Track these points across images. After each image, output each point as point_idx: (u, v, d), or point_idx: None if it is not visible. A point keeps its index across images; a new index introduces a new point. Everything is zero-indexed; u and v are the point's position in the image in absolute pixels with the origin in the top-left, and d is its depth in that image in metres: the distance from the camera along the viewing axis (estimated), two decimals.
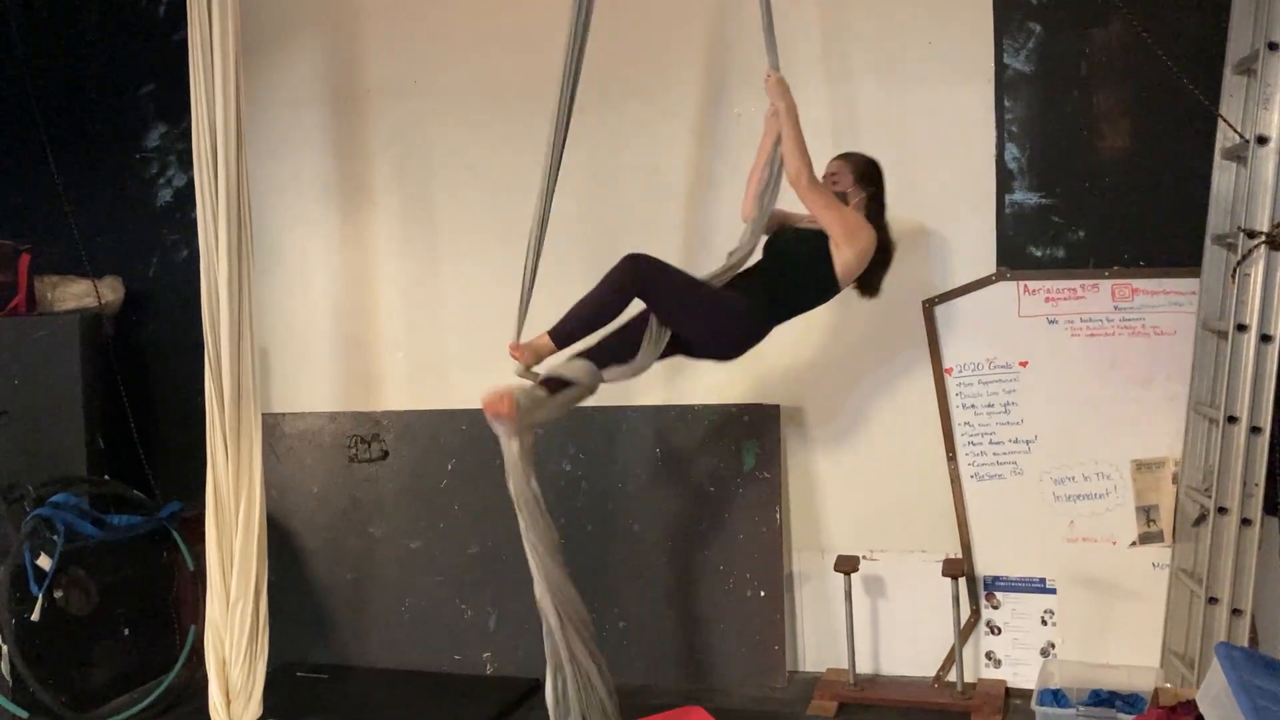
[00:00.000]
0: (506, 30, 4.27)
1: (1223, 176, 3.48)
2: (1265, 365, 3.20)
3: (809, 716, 3.73)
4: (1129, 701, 3.46)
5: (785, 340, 4.07)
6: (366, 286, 4.53)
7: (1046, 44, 3.79)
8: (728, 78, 4.05)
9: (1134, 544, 3.79)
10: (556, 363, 3.23)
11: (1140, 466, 3.77)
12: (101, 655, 3.96)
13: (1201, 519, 3.46)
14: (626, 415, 4.13)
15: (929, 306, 3.91)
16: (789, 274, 3.35)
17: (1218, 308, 3.49)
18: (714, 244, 3.88)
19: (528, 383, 3.20)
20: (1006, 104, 3.83)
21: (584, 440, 4.17)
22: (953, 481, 3.92)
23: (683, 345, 3.33)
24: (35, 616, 3.67)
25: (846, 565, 3.86)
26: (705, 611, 4.05)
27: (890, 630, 4.02)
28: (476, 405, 4.29)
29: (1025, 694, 3.73)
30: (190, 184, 3.94)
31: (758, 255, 3.44)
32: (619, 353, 3.22)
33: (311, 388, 4.57)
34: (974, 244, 3.88)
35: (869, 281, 3.45)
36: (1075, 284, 3.78)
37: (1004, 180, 3.85)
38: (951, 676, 3.84)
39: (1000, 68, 3.83)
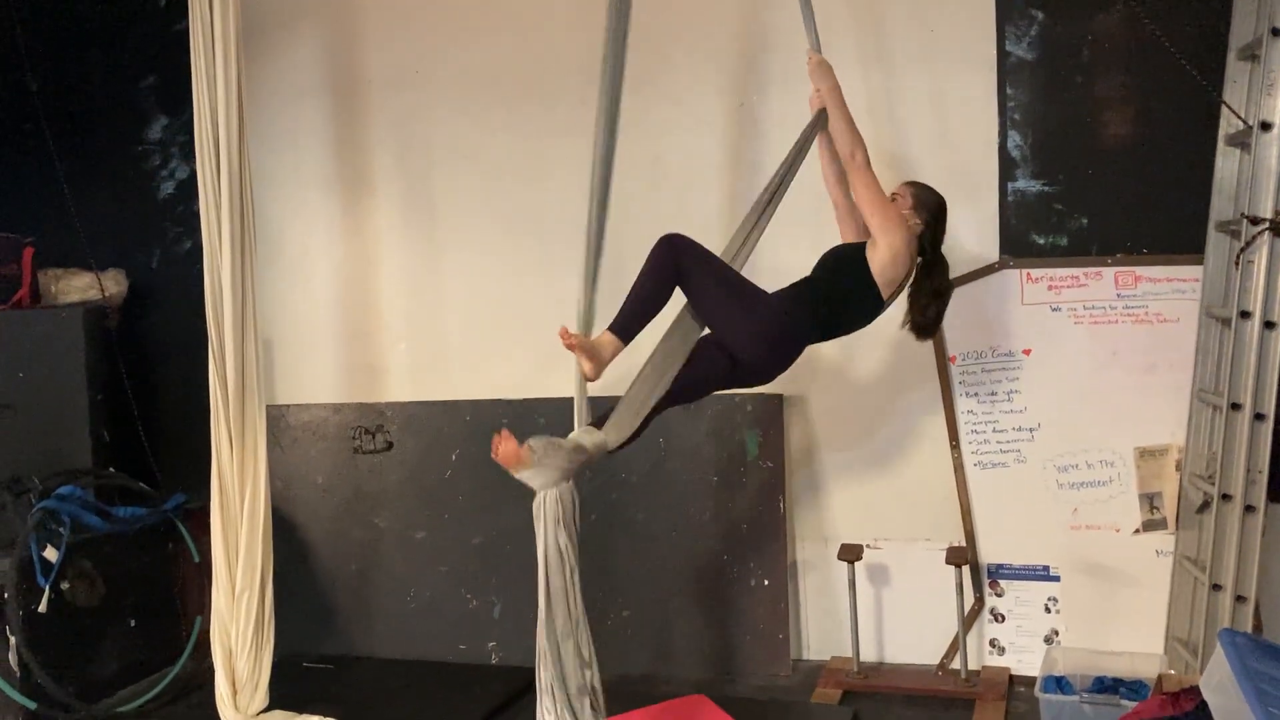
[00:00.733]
0: (507, 19, 4.27)
1: (1226, 163, 3.48)
2: (1269, 352, 3.20)
3: (813, 704, 3.74)
4: (1132, 688, 3.46)
5: None
6: (369, 277, 4.54)
7: (1049, 31, 3.78)
8: (730, 66, 4.04)
9: (1137, 531, 3.79)
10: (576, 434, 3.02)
11: (1144, 454, 3.77)
12: (108, 646, 3.97)
13: (1205, 506, 3.46)
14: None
15: None
16: (833, 283, 3.25)
17: (1221, 295, 3.48)
18: (715, 234, 3.87)
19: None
20: (1009, 91, 3.82)
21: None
22: (956, 470, 3.92)
23: (700, 378, 3.14)
24: (42, 608, 3.68)
25: (850, 554, 3.86)
26: (709, 600, 4.06)
27: (894, 618, 4.03)
28: (480, 396, 4.34)
29: (1029, 681, 3.74)
30: (192, 176, 3.94)
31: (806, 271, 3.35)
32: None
33: (315, 379, 4.57)
34: (977, 232, 3.87)
35: (923, 318, 3.34)
36: (1078, 272, 3.78)
37: (1006, 168, 3.84)
38: (955, 664, 3.85)
39: (1002, 55, 3.81)
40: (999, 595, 3.93)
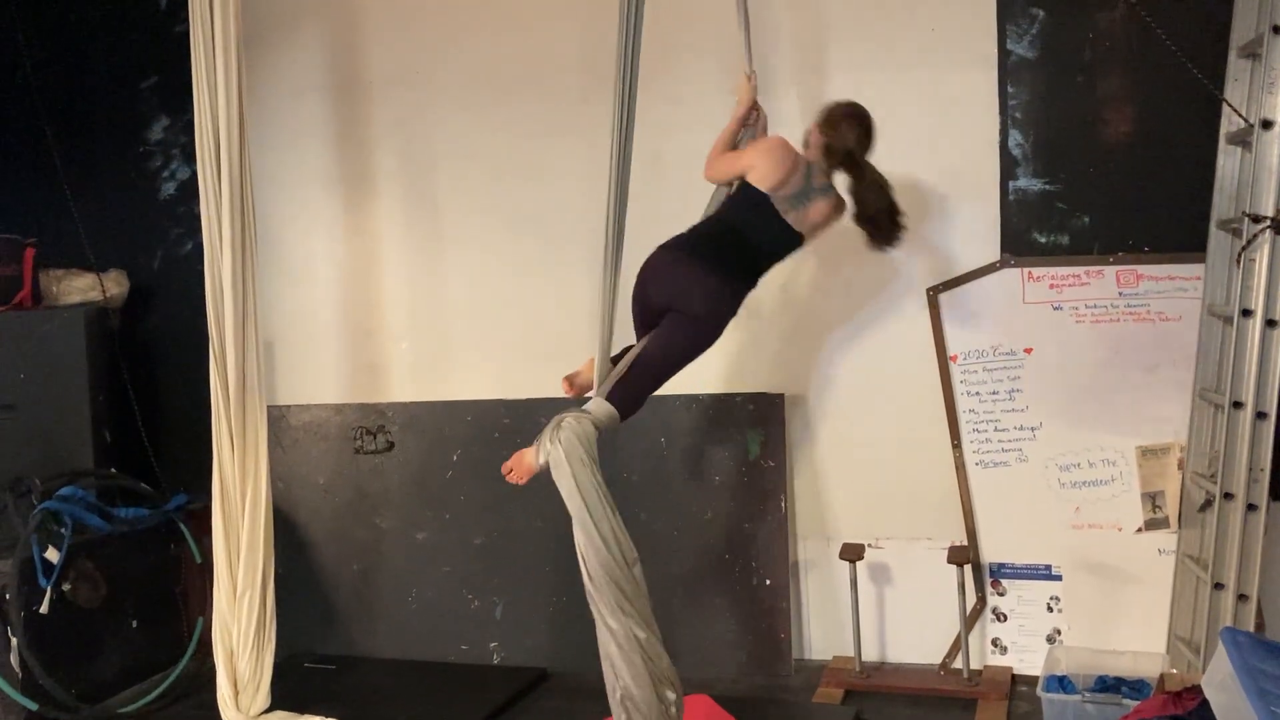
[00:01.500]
0: (508, 18, 4.27)
1: (1227, 161, 3.47)
2: (1270, 350, 3.19)
3: (815, 704, 3.73)
4: (1134, 687, 3.45)
5: (789, 328, 4.09)
6: (370, 277, 4.54)
7: (1050, 29, 3.77)
8: (729, 63, 4.02)
9: (1139, 530, 3.78)
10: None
11: (1145, 453, 3.76)
12: (110, 647, 3.98)
13: (1207, 504, 3.46)
14: None
15: (933, 294, 3.91)
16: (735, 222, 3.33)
17: (1223, 293, 3.48)
18: None
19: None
20: (1010, 90, 3.82)
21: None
22: (958, 469, 3.91)
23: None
24: (44, 609, 3.69)
25: (852, 553, 3.86)
26: (711, 600, 4.06)
27: (896, 617, 4.02)
28: (482, 396, 4.34)
29: (1031, 680, 3.73)
30: (194, 177, 3.94)
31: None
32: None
33: (316, 379, 4.58)
34: (978, 231, 3.87)
35: (873, 211, 3.27)
36: (1080, 270, 3.77)
37: (1008, 166, 3.84)
38: (957, 663, 3.85)
39: (1004, 54, 3.81)
40: (1001, 594, 3.92)
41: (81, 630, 3.86)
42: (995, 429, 3.89)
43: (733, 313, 3.28)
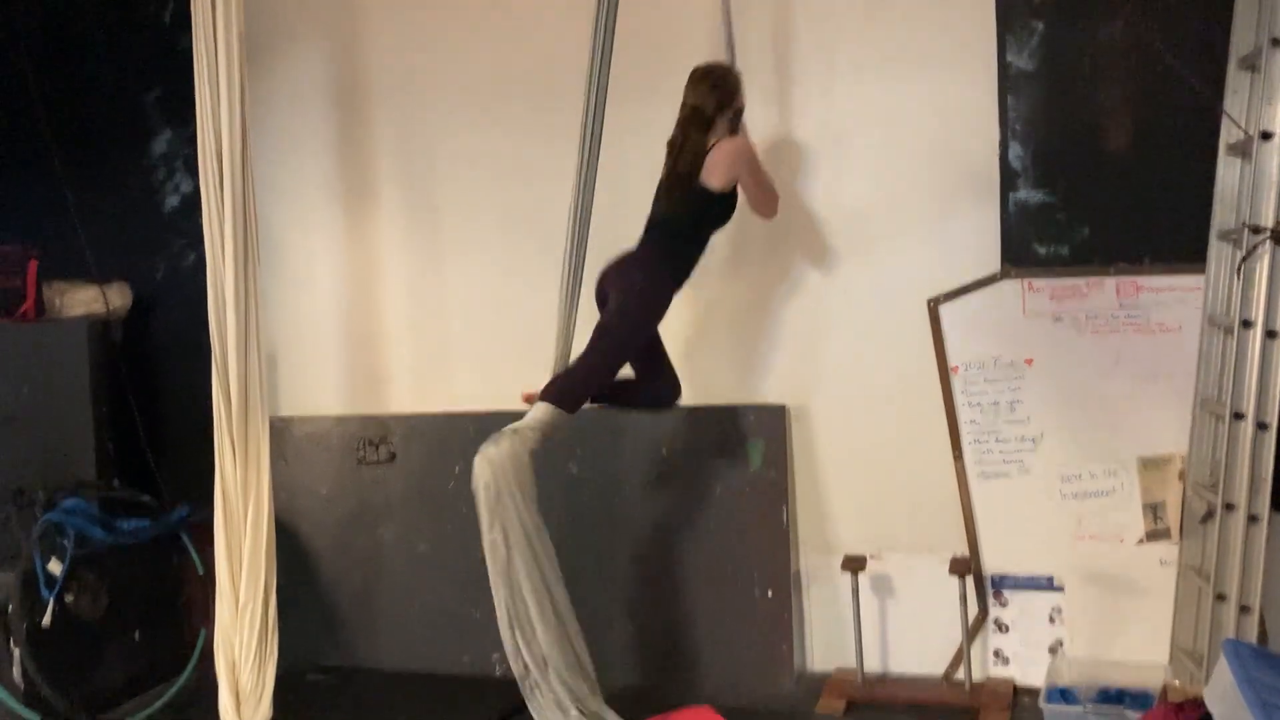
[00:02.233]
0: (508, 27, 4.28)
1: (1227, 172, 3.47)
2: (1271, 361, 3.19)
3: (818, 715, 3.73)
4: (1137, 698, 3.45)
5: (790, 340, 4.09)
6: (372, 287, 4.55)
7: (1049, 42, 3.78)
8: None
9: (1141, 541, 3.78)
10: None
11: (1147, 463, 3.76)
12: (112, 659, 3.98)
13: (1209, 515, 3.45)
14: (632, 416, 4.14)
15: (934, 305, 3.91)
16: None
17: (1223, 304, 3.48)
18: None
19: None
20: (1010, 101, 3.83)
21: (590, 441, 4.18)
22: (959, 480, 3.91)
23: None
24: (46, 621, 3.69)
25: (854, 564, 3.86)
26: (713, 611, 4.06)
27: (898, 629, 4.02)
28: (483, 408, 4.35)
29: (1033, 692, 3.72)
30: (196, 189, 3.94)
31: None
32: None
33: (319, 391, 4.58)
34: (978, 242, 3.87)
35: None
36: (1080, 281, 3.78)
37: (1008, 178, 3.84)
38: (960, 675, 3.84)
39: (1003, 65, 3.82)
40: (1003, 605, 3.92)
41: (84, 642, 3.86)
42: (996, 440, 3.89)
43: (674, 278, 3.50)
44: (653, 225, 3.57)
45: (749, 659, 4.00)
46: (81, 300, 4.49)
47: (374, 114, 4.47)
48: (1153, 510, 3.76)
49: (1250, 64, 3.32)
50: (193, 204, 4.50)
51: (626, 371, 3.64)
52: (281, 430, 4.47)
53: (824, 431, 4.08)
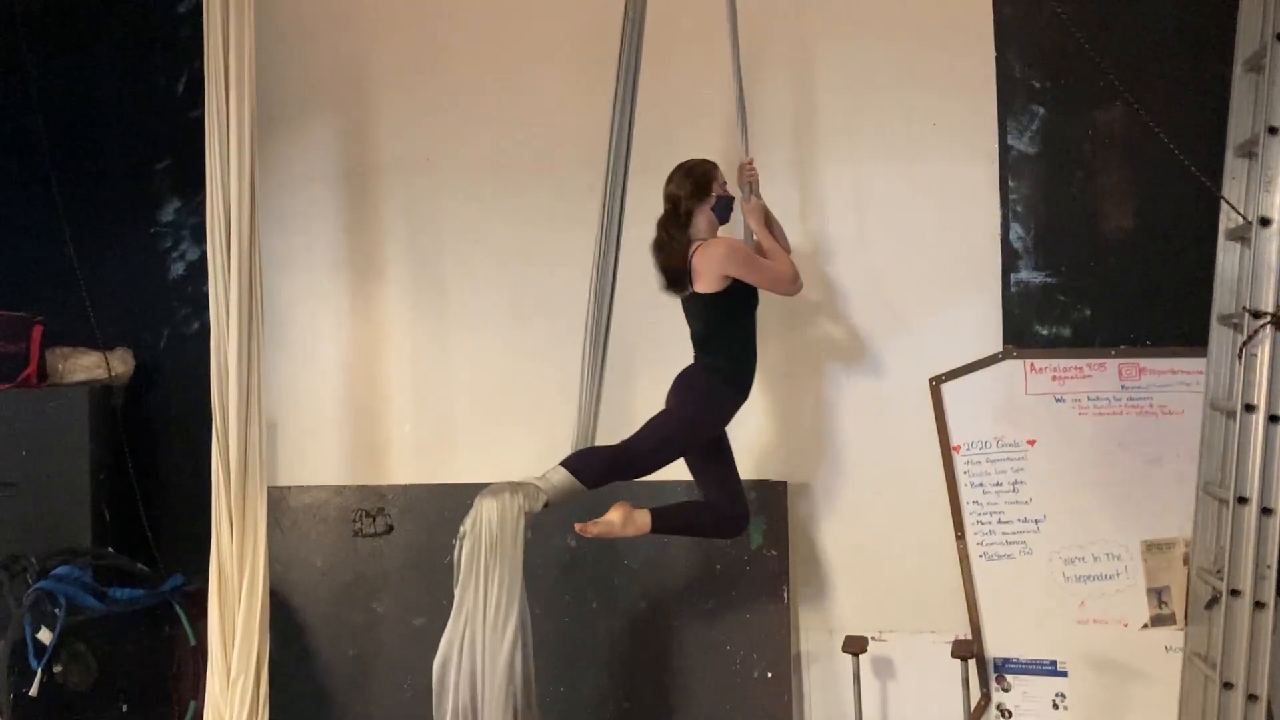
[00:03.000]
0: (517, 109, 4.34)
1: (1227, 257, 3.50)
2: (1275, 445, 3.18)
3: None
4: None
5: (792, 416, 4.08)
6: (376, 361, 4.55)
7: (1050, 126, 3.84)
8: (730, 155, 4.09)
9: (1146, 626, 3.73)
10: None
11: (1150, 547, 3.73)
12: None
13: (1214, 601, 3.41)
14: (632, 491, 4.11)
15: (936, 384, 3.91)
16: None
17: (1225, 388, 3.48)
18: None
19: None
20: (1011, 184, 3.87)
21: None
22: (961, 561, 3.88)
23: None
24: (34, 692, 3.63)
25: (855, 646, 3.81)
26: (713, 692, 3.99)
27: (899, 713, 3.95)
28: (482, 480, 4.30)
29: None
30: (203, 258, 3.98)
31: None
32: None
33: (318, 461, 4.55)
34: (980, 322, 3.89)
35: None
36: (1082, 363, 3.78)
37: (1009, 259, 3.87)
38: None
39: (1004, 148, 3.87)
40: (1005, 690, 3.86)
41: (71, 713, 3.79)
42: (999, 520, 3.86)
43: (730, 384, 3.45)
44: (692, 340, 3.53)
45: None
46: (84, 366, 4.49)
47: (383, 192, 4.51)
48: (1157, 595, 3.72)
49: (1247, 151, 3.37)
50: (198, 272, 4.54)
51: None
52: (279, 499, 4.44)
53: (825, 509, 4.05)
